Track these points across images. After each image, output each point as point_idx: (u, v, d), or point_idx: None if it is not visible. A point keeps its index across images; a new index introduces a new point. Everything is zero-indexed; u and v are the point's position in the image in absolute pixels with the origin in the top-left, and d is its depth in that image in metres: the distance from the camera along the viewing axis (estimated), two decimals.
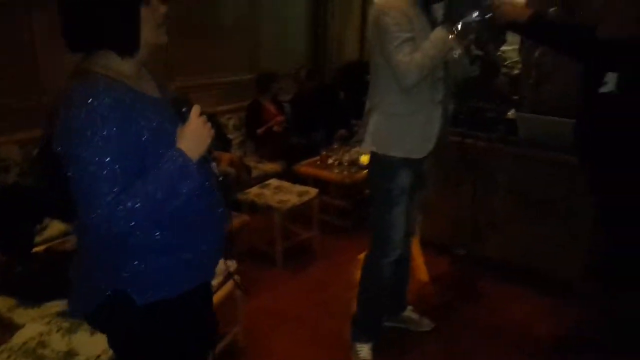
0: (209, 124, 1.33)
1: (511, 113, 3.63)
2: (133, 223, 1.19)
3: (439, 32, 2.13)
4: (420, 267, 3.45)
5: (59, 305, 2.20)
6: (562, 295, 3.06)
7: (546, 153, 3.20)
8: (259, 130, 4.42)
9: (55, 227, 3.08)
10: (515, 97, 4.08)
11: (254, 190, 3.62)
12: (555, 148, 3.06)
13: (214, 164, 1.40)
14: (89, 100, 1.16)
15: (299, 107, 4.85)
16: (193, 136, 1.29)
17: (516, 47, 4.87)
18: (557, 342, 2.78)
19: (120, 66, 1.28)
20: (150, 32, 1.29)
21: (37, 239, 2.93)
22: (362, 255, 2.69)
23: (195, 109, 1.31)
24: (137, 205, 1.18)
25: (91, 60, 1.27)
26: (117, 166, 1.17)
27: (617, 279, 2.49)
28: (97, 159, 1.16)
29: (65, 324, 2.00)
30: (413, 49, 2.13)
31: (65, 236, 2.94)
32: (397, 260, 2.52)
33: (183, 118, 1.31)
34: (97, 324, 1.48)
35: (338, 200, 4.04)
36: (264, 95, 4.57)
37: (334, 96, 4.92)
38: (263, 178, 3.92)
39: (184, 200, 1.27)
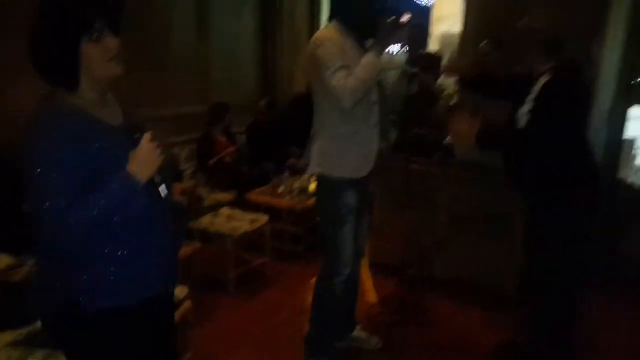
0: (159, 150, 1.43)
1: (449, 139, 3.87)
2: (82, 231, 1.31)
3: (369, 57, 2.32)
4: (368, 289, 3.60)
5: (10, 335, 2.19)
6: (502, 308, 3.25)
7: (481, 175, 3.44)
8: (211, 162, 4.51)
9: (1, 260, 3.04)
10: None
11: (206, 218, 3.68)
12: (489, 170, 3.29)
13: (162, 186, 1.49)
14: (47, 127, 1.32)
15: (255, 137, 4.99)
16: (141, 159, 1.39)
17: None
18: (496, 352, 2.96)
19: (75, 96, 1.41)
20: (99, 67, 1.40)
21: None
22: (314, 280, 2.81)
23: (146, 135, 1.42)
24: (86, 216, 1.31)
25: (54, 89, 1.40)
26: (68, 182, 1.31)
27: (537, 288, 2.72)
28: (51, 174, 1.30)
29: (15, 353, 2.01)
30: (347, 74, 2.29)
31: (13, 268, 2.91)
32: (347, 279, 2.64)
33: (135, 143, 1.42)
34: (51, 328, 1.56)
35: (289, 226, 4.15)
36: (215, 127, 4.67)
37: (285, 127, 5.08)
38: (215, 207, 3.99)
39: (131, 215, 1.39)
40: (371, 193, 2.76)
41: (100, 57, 1.39)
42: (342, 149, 2.48)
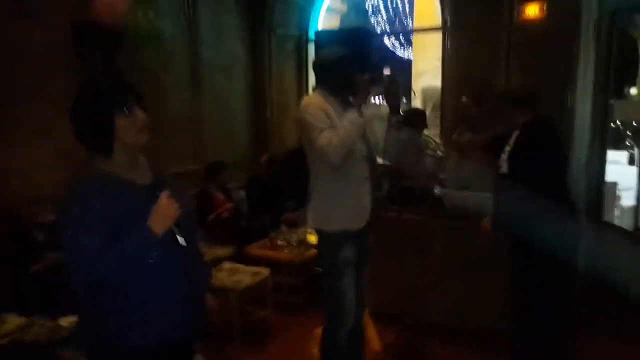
0: (176, 205, 1.64)
1: (437, 190, 4.06)
2: (106, 278, 1.56)
3: (350, 115, 2.48)
4: (372, 337, 3.65)
5: None
6: (498, 346, 3.35)
7: (470, 222, 3.60)
8: (209, 218, 4.62)
9: (12, 321, 3.09)
10: (442, 176, 4.56)
11: None
12: (479, 217, 3.46)
13: (180, 238, 1.69)
14: (78, 191, 1.62)
15: (253, 192, 5.15)
16: (159, 214, 1.62)
17: (438, 131, 5.45)
18: None
19: (110, 161, 1.66)
20: (130, 136, 1.65)
21: None
22: (318, 330, 2.89)
23: (164, 193, 1.65)
24: (111, 264, 1.54)
25: (93, 156, 1.66)
26: (95, 238, 1.54)
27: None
28: (80, 232, 1.55)
29: None
30: (332, 134, 2.46)
31: (23, 329, 2.96)
32: (351, 330, 2.71)
33: (156, 200, 1.64)
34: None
35: (289, 278, 4.24)
36: (211, 184, 4.81)
37: (281, 181, 5.24)
38: (215, 262, 4.08)
39: (149, 263, 1.60)
40: (369, 247, 2.80)
41: (131, 128, 1.65)
42: (335, 204, 2.60)
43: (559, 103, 4.15)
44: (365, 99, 2.53)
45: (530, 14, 4.42)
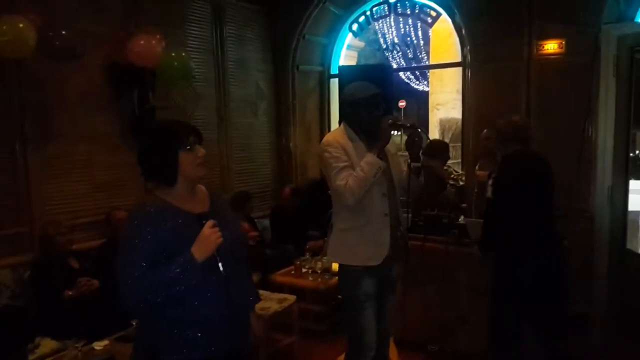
0: (218, 234, 1.79)
1: (461, 219, 4.12)
2: (150, 296, 1.72)
3: (368, 157, 2.53)
4: None
5: None
6: None
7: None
8: None
9: (47, 344, 3.17)
10: (463, 205, 4.62)
11: None
12: None
13: (220, 264, 1.82)
14: (134, 216, 1.82)
15: (278, 221, 5.25)
16: (201, 242, 1.78)
17: (459, 160, 5.52)
18: None
19: (171, 191, 1.87)
20: (191, 169, 1.87)
21: (30, 357, 3.03)
22: (341, 358, 2.92)
23: (209, 222, 1.80)
24: (154, 283, 1.71)
25: (155, 187, 1.88)
26: (141, 258, 1.73)
27: None
28: (129, 252, 1.74)
29: None
30: (348, 174, 2.53)
31: (58, 352, 3.04)
32: (374, 359, 2.73)
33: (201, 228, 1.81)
34: None
35: (314, 306, 4.29)
36: (238, 213, 4.93)
37: (304, 211, 5.35)
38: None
39: (191, 286, 1.75)
40: (395, 277, 2.82)
41: (192, 162, 1.86)
42: (354, 240, 2.65)
43: (580, 135, 4.24)
44: (386, 143, 2.60)
45: (549, 49, 4.56)
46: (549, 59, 4.55)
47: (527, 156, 3.07)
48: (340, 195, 2.57)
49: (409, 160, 2.77)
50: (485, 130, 4.38)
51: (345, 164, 2.57)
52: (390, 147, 2.77)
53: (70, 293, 3.48)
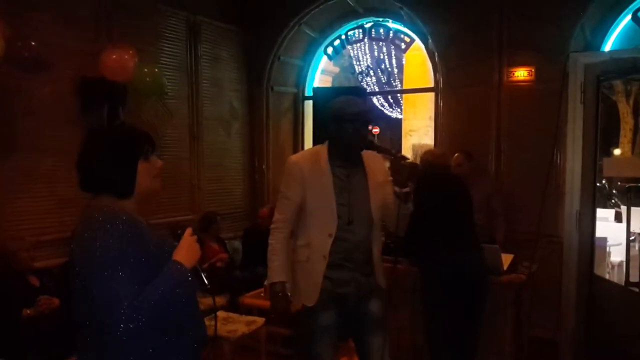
0: (198, 243, 1.65)
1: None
2: (144, 319, 1.44)
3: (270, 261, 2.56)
4: None
5: None
6: None
7: None
8: (203, 267, 4.60)
9: None
10: None
11: None
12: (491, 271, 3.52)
13: (203, 275, 1.69)
14: (108, 229, 1.51)
15: (250, 242, 5.16)
16: (186, 250, 1.61)
17: None
18: None
19: (121, 203, 1.62)
20: (146, 181, 1.67)
21: None
22: None
23: (189, 229, 1.65)
24: (150, 304, 1.45)
25: (99, 198, 1.61)
26: (132, 280, 1.47)
27: None
28: (117, 275, 1.46)
29: None
30: (284, 208, 2.54)
31: None
32: None
33: (178, 238, 1.65)
34: None
35: (283, 329, 4.18)
36: (206, 234, 4.83)
37: None
38: (209, 311, 4.02)
39: (182, 303, 1.54)
40: (374, 314, 2.57)
41: (149, 173, 1.67)
42: (297, 274, 2.55)
43: (548, 161, 4.30)
44: (405, 183, 2.53)
45: (519, 76, 4.67)
46: (519, 85, 4.65)
47: (441, 175, 3.43)
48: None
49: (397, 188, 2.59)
50: (456, 155, 4.43)
51: (287, 195, 2.53)
52: (378, 175, 2.61)
53: (29, 312, 3.33)
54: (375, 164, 2.62)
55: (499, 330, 3.67)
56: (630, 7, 4.43)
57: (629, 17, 4.45)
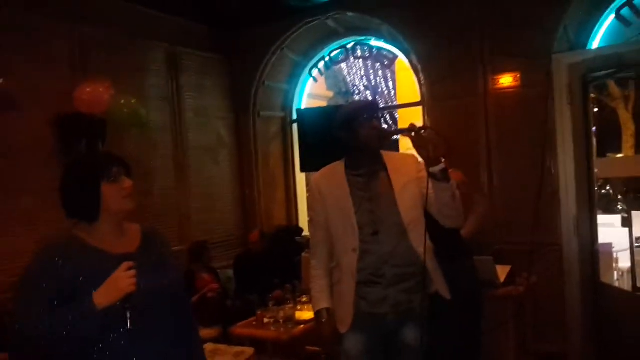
0: (132, 281, 1.54)
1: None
2: (44, 342, 1.50)
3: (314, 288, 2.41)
4: None
5: None
6: None
7: None
8: (193, 299, 4.46)
9: None
10: None
11: None
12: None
13: (128, 314, 1.56)
14: (37, 254, 1.64)
15: (242, 269, 5.01)
16: (108, 285, 1.53)
17: None
18: None
19: (92, 228, 1.67)
20: (115, 203, 1.67)
21: None
22: None
23: (124, 264, 1.56)
24: (48, 331, 1.49)
25: (76, 224, 1.68)
26: (40, 302, 1.53)
27: None
28: (27, 294, 1.58)
29: None
30: (317, 230, 2.40)
31: None
32: None
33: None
34: None
35: (276, 358, 4.01)
36: (196, 264, 4.70)
37: (269, 259, 5.12)
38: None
39: (90, 339, 1.54)
40: (409, 343, 2.35)
41: (117, 195, 1.67)
42: (334, 297, 2.37)
43: (540, 166, 4.17)
44: (436, 158, 2.10)
45: (504, 83, 4.57)
46: (505, 92, 4.55)
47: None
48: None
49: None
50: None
51: (313, 216, 2.45)
52: (404, 173, 2.34)
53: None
54: (398, 162, 2.40)
55: (501, 346, 3.51)
56: (613, 5, 4.35)
57: (613, 16, 4.37)
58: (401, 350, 2.34)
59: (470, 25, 4.66)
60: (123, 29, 4.79)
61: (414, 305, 2.28)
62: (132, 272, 1.55)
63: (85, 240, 1.65)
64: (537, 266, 3.92)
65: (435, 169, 2.11)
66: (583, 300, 3.99)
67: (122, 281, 1.53)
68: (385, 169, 2.35)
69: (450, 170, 2.15)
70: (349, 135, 2.32)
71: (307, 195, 2.55)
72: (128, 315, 1.55)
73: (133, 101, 4.42)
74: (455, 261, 2.99)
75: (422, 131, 2.10)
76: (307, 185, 2.49)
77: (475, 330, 3.06)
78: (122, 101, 4.27)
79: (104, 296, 1.52)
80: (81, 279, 1.56)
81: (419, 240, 2.21)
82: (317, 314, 2.38)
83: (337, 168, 2.40)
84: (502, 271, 3.54)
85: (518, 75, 4.51)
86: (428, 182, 2.14)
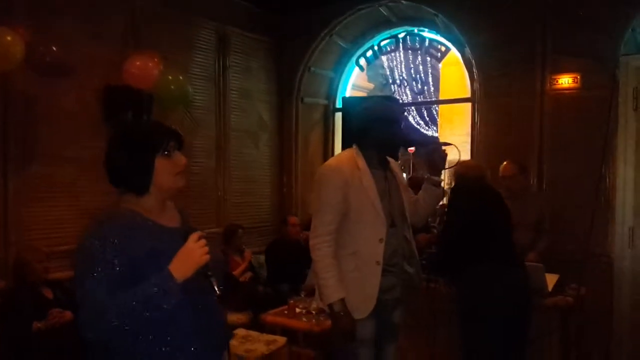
0: (205, 248, 1.51)
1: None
2: (116, 323, 1.41)
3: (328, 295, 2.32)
4: None
5: None
6: None
7: None
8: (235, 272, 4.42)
9: None
10: None
11: None
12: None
13: (213, 280, 1.54)
14: (96, 230, 1.51)
15: (275, 256, 4.95)
16: (182, 257, 1.49)
17: None
18: None
19: (141, 201, 1.60)
20: (166, 179, 1.60)
21: None
22: None
23: (193, 235, 1.51)
24: (121, 308, 1.41)
25: (122, 195, 1.61)
26: (108, 278, 1.44)
27: None
28: (90, 271, 1.45)
29: None
30: (328, 239, 2.31)
31: None
32: None
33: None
34: None
35: (307, 349, 3.94)
36: (230, 247, 4.66)
37: (301, 249, 5.04)
38: (229, 328, 3.83)
39: (168, 313, 1.46)
40: (397, 322, 2.56)
41: (169, 170, 1.60)
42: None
43: (597, 173, 3.95)
44: (439, 172, 2.55)
45: (563, 84, 4.36)
46: (563, 93, 4.35)
47: (475, 187, 3.15)
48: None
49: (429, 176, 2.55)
50: (505, 163, 3.98)
51: (331, 203, 2.33)
52: (401, 177, 2.64)
53: (39, 325, 3.19)
54: (394, 165, 2.60)
55: (544, 358, 3.34)
56: None
57: None
58: (393, 328, 2.55)
59: (532, 21, 4.46)
60: (176, 4, 4.76)
61: (405, 292, 2.51)
62: (203, 241, 1.52)
63: (143, 214, 1.58)
64: (585, 278, 3.72)
65: (438, 179, 2.54)
66: (632, 316, 3.79)
67: (195, 252, 1.50)
68: (389, 168, 2.53)
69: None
70: (384, 131, 2.42)
71: (320, 183, 2.44)
72: (214, 282, 1.53)
73: (180, 78, 4.37)
74: (513, 268, 2.95)
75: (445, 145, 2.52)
76: (323, 172, 2.42)
77: (523, 337, 2.92)
78: (170, 77, 4.22)
79: (180, 269, 1.47)
80: (147, 253, 1.50)
81: (411, 235, 2.53)
82: (333, 305, 2.31)
83: (356, 159, 2.43)
84: (550, 280, 3.37)
85: (578, 77, 4.30)
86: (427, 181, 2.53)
